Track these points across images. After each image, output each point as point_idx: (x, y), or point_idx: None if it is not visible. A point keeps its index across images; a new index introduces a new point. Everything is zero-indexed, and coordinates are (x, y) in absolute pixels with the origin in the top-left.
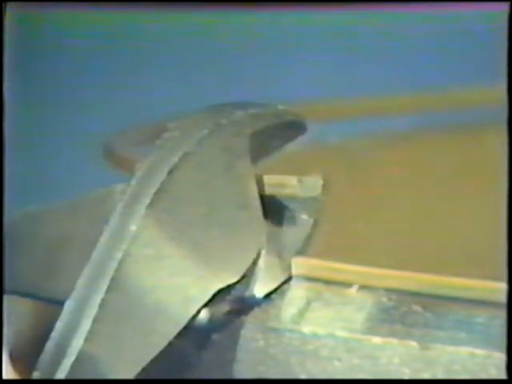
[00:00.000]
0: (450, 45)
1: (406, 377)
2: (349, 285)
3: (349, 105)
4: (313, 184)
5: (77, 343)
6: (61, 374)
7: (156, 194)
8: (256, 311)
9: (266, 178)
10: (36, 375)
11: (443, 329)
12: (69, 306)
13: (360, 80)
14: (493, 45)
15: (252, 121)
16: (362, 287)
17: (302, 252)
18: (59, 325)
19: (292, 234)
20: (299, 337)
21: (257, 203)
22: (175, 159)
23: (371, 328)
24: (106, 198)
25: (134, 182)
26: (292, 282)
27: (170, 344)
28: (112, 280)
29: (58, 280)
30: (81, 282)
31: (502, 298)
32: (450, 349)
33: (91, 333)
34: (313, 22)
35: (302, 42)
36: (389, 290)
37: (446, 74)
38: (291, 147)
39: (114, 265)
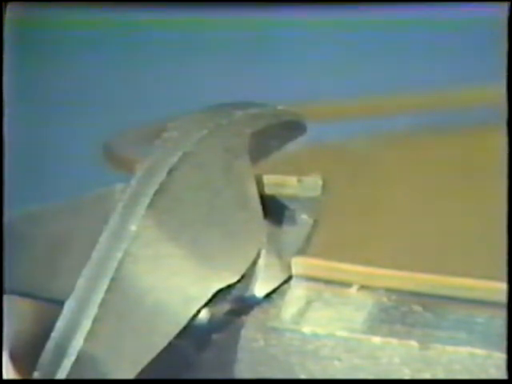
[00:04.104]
0: (449, 45)
1: (406, 377)
2: (349, 285)
3: (349, 105)
4: (313, 184)
5: (77, 343)
6: (61, 374)
7: (156, 194)
8: (256, 311)
9: (266, 178)
10: (36, 375)
11: (443, 329)
12: (69, 305)
13: (360, 80)
14: (492, 45)
15: (252, 121)
16: (362, 287)
17: (301, 252)
18: (59, 325)
19: (292, 234)
20: (299, 337)
21: (256, 203)
22: (175, 159)
23: (371, 328)
24: (106, 197)
25: (133, 182)
26: (292, 282)
27: (170, 344)
28: (112, 280)
29: (58, 280)
30: (81, 282)
31: (502, 298)
32: (450, 349)
33: (91, 333)
34: (313, 21)
35: (302, 42)
36: (389, 290)
37: (445, 74)
38: (291, 147)
39: (113, 265)
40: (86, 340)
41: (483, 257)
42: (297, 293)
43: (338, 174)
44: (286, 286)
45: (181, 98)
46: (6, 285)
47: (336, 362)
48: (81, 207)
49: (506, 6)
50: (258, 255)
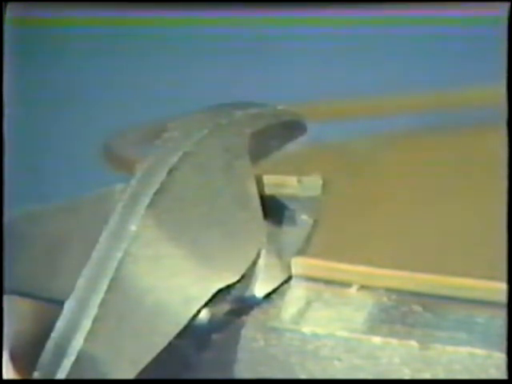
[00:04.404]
0: (449, 45)
1: (406, 377)
2: (349, 285)
3: (349, 105)
4: (313, 184)
5: (77, 343)
6: (61, 374)
7: (156, 194)
8: (256, 311)
9: (266, 178)
10: (36, 375)
11: (443, 329)
12: (69, 305)
13: (360, 80)
14: (492, 45)
15: (252, 121)
16: (362, 287)
17: (301, 252)
18: (59, 325)
19: (292, 234)
20: (299, 337)
21: (257, 203)
22: (175, 159)
23: (371, 328)
24: (106, 197)
25: (133, 182)
26: (292, 282)
27: (170, 344)
28: (112, 280)
29: (58, 280)
30: (81, 282)
31: (502, 298)
32: (450, 349)
33: (91, 333)
34: (313, 22)
35: (302, 42)
36: (389, 290)
37: (446, 74)
38: (291, 147)
39: (113, 265)
40: (86, 340)
41: (483, 257)
42: (297, 293)
43: (338, 174)
44: (285, 286)
45: (181, 98)
46: (6, 285)
47: (336, 362)
48: (81, 207)
49: (506, 6)
50: (258, 255)
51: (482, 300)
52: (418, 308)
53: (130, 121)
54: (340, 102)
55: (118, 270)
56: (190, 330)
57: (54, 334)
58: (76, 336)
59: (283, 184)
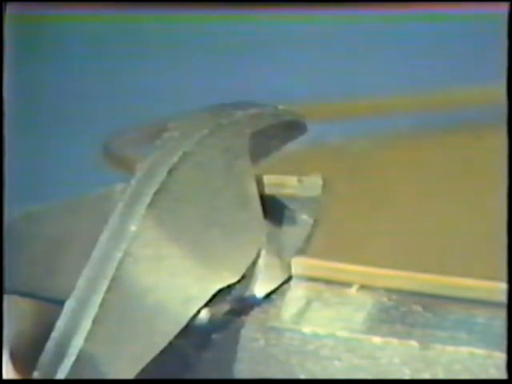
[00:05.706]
0: (449, 45)
1: (406, 377)
2: (349, 285)
3: (349, 105)
4: (313, 184)
5: (77, 343)
6: (61, 374)
7: (156, 194)
8: (256, 311)
9: (266, 178)
10: (36, 375)
11: (443, 329)
12: (69, 305)
13: (360, 80)
14: (493, 45)
15: (252, 121)
16: (362, 287)
17: (301, 252)
18: (59, 325)
19: (292, 234)
20: (299, 337)
21: (257, 203)
22: (175, 159)
23: (371, 328)
24: (106, 197)
25: (133, 182)
26: (292, 282)
27: (170, 344)
28: (112, 280)
29: (58, 280)
30: (81, 282)
31: (502, 298)
32: (450, 349)
33: (91, 333)
34: (313, 21)
35: (303, 42)
36: (389, 290)
37: (446, 74)
38: (291, 147)
39: (114, 265)
40: (86, 340)
41: (483, 257)
42: (297, 293)
43: (338, 174)
44: (286, 286)
45: (181, 98)
46: (6, 285)
47: (336, 362)
48: (81, 207)
49: (506, 6)
50: (258, 255)
51: (482, 300)
52: (418, 308)
53: (130, 121)
54: (340, 102)
55: (118, 269)
56: (190, 329)
57: (54, 334)
58: (76, 336)
59: (283, 184)
